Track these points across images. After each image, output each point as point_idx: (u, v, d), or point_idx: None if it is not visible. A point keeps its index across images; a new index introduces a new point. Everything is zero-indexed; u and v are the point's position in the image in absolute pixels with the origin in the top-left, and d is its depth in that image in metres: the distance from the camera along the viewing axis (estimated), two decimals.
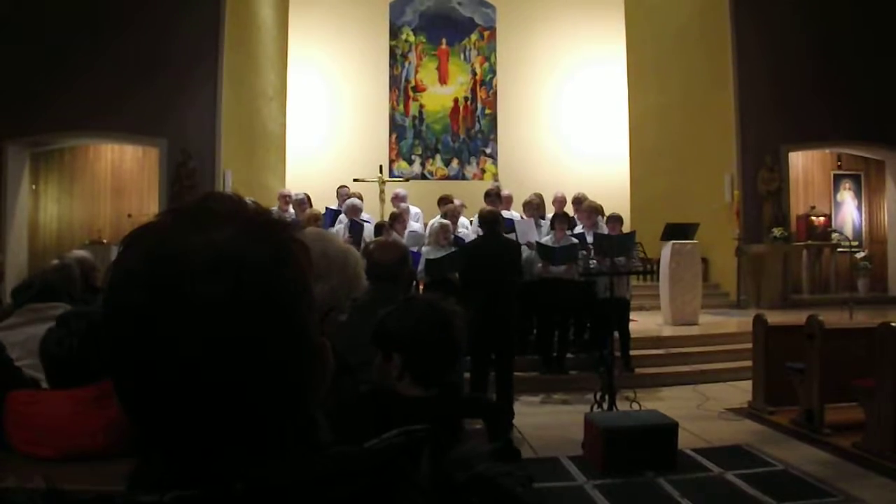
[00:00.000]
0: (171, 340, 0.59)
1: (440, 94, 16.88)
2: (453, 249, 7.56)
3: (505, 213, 8.27)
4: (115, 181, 12.66)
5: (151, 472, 0.62)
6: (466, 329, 1.88)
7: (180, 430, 0.61)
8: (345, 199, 9.12)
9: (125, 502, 0.59)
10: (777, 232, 11.95)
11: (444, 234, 7.63)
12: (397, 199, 9.21)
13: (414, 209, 9.34)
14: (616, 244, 7.09)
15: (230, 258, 0.61)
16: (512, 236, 7.84)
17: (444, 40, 16.93)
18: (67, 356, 1.94)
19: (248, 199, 0.70)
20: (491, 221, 6.26)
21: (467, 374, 6.34)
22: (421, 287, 7.39)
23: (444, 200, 8.97)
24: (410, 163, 16.57)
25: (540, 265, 7.54)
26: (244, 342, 0.60)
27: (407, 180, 13.90)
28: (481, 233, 6.57)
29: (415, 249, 7.45)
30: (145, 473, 0.62)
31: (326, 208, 9.55)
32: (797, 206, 13.21)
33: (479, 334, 5.82)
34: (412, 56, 16.88)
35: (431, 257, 7.41)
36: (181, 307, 0.59)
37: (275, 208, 9.29)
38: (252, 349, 0.60)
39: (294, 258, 0.66)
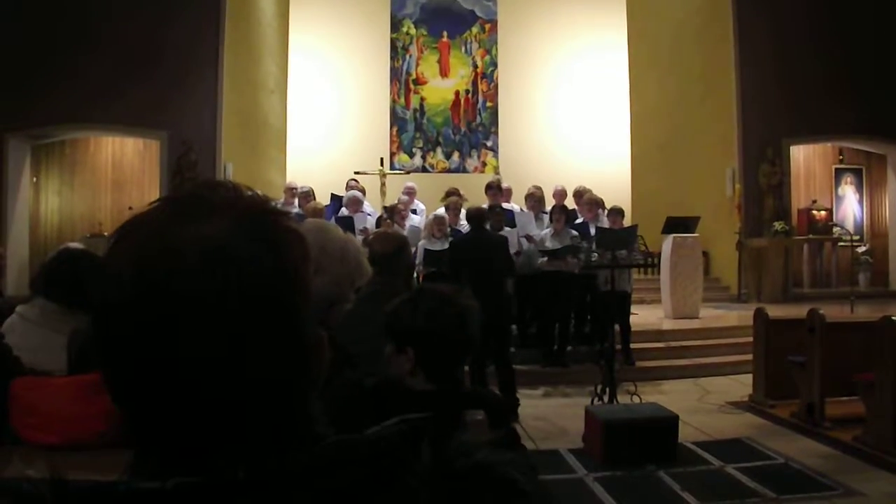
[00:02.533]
0: (161, 338, 0.58)
1: (441, 87, 16.83)
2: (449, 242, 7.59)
3: (505, 206, 8.29)
4: (115, 174, 12.65)
5: (151, 461, 0.61)
6: (475, 320, 1.85)
7: (173, 426, 0.60)
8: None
9: (127, 490, 0.58)
10: (778, 226, 11.94)
11: (438, 227, 7.65)
12: (406, 191, 9.26)
13: (419, 205, 9.37)
14: (617, 237, 7.09)
15: (222, 254, 0.60)
16: (513, 229, 7.86)
17: (445, 33, 16.88)
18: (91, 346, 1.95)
19: (245, 188, 0.68)
20: (476, 218, 6.36)
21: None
22: (420, 279, 7.41)
23: (449, 194, 8.98)
24: (411, 156, 16.54)
25: (544, 259, 7.55)
26: (237, 339, 0.59)
27: (408, 173, 13.89)
28: (487, 225, 6.65)
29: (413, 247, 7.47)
30: (146, 462, 0.62)
31: (332, 195, 9.61)
32: (798, 200, 13.18)
33: None
34: (413, 49, 16.83)
35: (433, 249, 7.44)
36: (171, 304, 0.58)
37: (280, 200, 9.29)
38: (245, 346, 0.60)
39: (290, 252, 0.65)
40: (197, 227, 0.61)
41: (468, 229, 8.42)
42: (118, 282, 0.61)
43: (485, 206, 8.76)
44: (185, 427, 0.60)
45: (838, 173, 13.87)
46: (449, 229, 7.80)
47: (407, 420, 0.66)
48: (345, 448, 0.63)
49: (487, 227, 6.68)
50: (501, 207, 7.84)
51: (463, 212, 8.73)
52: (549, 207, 8.45)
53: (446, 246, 7.51)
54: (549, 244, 7.69)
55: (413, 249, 7.50)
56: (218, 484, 0.58)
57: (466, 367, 5.73)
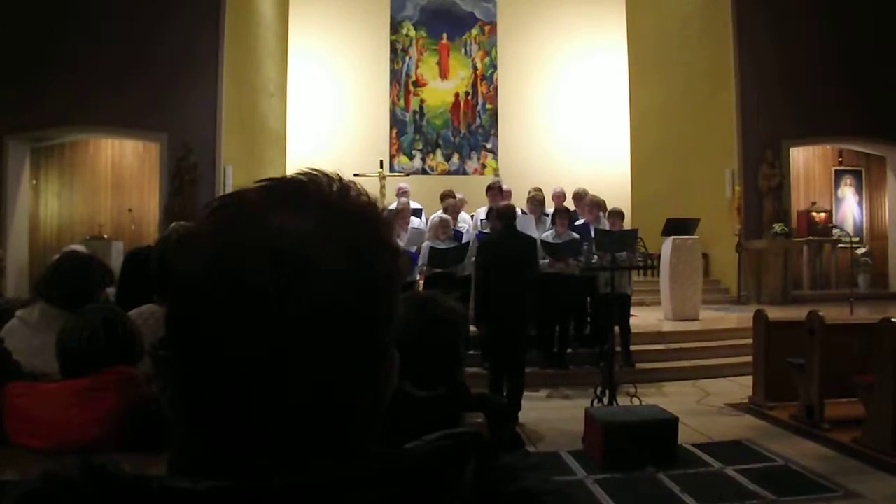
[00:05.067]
0: (213, 324, 0.58)
1: (441, 89, 16.84)
2: (453, 243, 7.59)
3: None
4: (115, 176, 12.65)
5: (189, 459, 0.60)
6: (463, 325, 1.83)
7: (215, 420, 0.59)
8: None
9: (161, 486, 0.57)
10: (778, 227, 11.94)
11: (442, 229, 7.65)
12: (401, 193, 9.21)
13: (415, 205, 9.34)
14: (617, 239, 7.09)
15: (295, 252, 0.58)
16: None
17: (444, 35, 16.89)
18: (79, 348, 1.95)
19: (358, 191, 0.65)
20: (509, 217, 6.22)
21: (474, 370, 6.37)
22: (422, 281, 7.41)
23: (445, 196, 8.97)
24: (411, 158, 16.55)
25: (545, 261, 7.53)
26: (290, 343, 0.57)
27: (407, 175, 13.90)
28: (488, 228, 6.55)
29: (413, 249, 7.46)
30: (183, 460, 0.61)
31: None
32: (798, 202, 13.19)
33: (497, 332, 5.84)
34: (413, 51, 16.84)
35: (438, 247, 7.44)
36: (230, 292, 0.57)
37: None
38: (298, 352, 0.57)
39: (376, 266, 0.62)
40: (284, 218, 0.60)
41: (470, 228, 8.47)
42: (193, 256, 0.60)
43: (483, 208, 8.82)
44: (227, 424, 0.59)
45: (838, 175, 13.88)
46: (453, 231, 7.81)
47: (450, 435, 0.64)
48: (385, 462, 0.60)
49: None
50: None
51: (462, 214, 8.73)
52: (548, 209, 8.45)
53: (451, 245, 7.52)
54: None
55: (414, 248, 7.50)
56: (250, 490, 0.56)
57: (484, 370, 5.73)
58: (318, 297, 0.58)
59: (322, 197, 0.63)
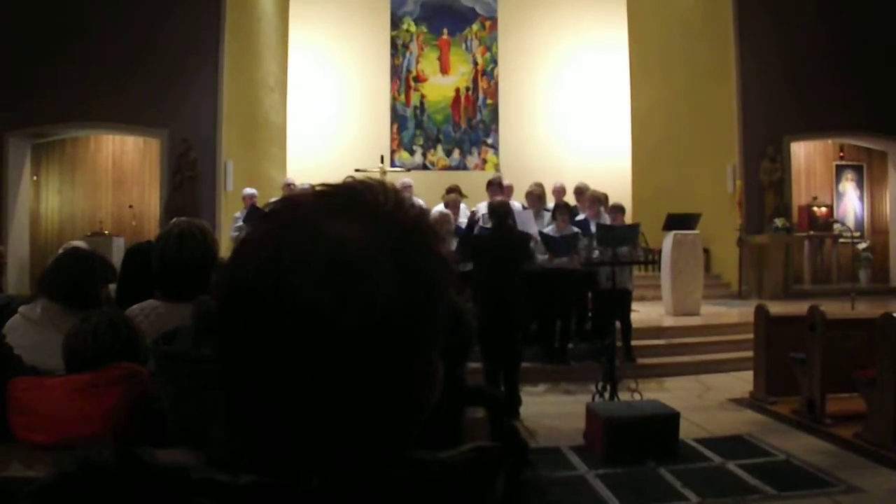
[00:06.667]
0: (266, 329, 0.58)
1: (441, 85, 16.81)
2: (455, 240, 7.58)
3: None
4: (116, 172, 12.65)
5: (228, 455, 0.61)
6: (469, 324, 1.83)
7: (258, 419, 0.60)
8: None
9: (200, 478, 0.58)
10: (779, 222, 11.93)
11: (445, 225, 7.63)
12: (403, 188, 9.19)
13: (418, 202, 9.32)
14: (618, 234, 7.09)
15: (347, 262, 0.59)
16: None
17: (445, 30, 16.86)
18: (84, 350, 1.96)
19: (408, 200, 0.66)
20: (501, 214, 6.22)
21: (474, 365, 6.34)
22: None
23: (451, 190, 8.96)
24: (412, 153, 16.53)
25: (545, 257, 7.52)
26: (338, 349, 0.58)
27: (408, 170, 13.88)
28: (489, 224, 6.55)
29: None
30: (221, 455, 0.62)
31: None
32: (799, 197, 13.17)
33: (489, 327, 5.85)
34: (413, 46, 16.81)
35: None
36: (284, 300, 0.58)
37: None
38: (345, 359, 0.58)
39: (426, 277, 0.62)
40: (340, 227, 0.60)
41: (472, 224, 8.45)
42: (246, 260, 0.61)
43: (483, 203, 8.81)
44: (269, 424, 0.60)
45: (839, 170, 13.86)
46: (453, 227, 7.80)
47: (480, 448, 0.64)
48: (422, 469, 0.61)
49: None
50: None
51: (463, 208, 8.72)
52: (549, 204, 8.43)
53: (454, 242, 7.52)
54: None
55: None
56: (290, 489, 0.57)
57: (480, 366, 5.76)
58: (371, 309, 0.58)
59: (377, 207, 0.63)
